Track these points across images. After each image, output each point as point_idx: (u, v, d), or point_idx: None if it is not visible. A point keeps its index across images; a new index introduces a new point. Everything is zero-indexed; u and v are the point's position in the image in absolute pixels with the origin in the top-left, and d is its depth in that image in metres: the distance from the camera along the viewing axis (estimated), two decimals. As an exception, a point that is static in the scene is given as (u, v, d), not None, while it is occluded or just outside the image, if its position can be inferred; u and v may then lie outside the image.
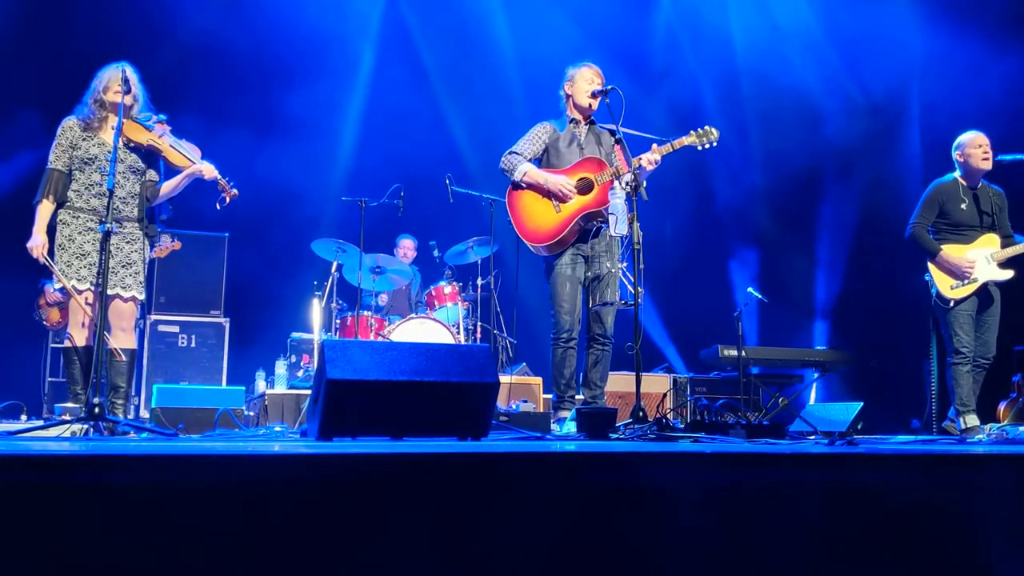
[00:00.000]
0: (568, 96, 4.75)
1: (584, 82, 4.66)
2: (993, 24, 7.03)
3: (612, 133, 4.68)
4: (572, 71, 4.73)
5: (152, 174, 4.25)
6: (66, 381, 4.21)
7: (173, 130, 4.28)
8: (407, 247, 7.62)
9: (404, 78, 8.40)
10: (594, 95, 4.56)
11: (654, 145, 4.55)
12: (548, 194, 4.56)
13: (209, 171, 4.23)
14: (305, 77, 7.94)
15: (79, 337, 4.06)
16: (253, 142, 7.46)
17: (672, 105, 8.41)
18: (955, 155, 5.20)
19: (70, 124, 4.13)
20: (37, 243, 4.02)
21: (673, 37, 8.69)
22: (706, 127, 4.62)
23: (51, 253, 4.05)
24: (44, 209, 4.05)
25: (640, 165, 4.46)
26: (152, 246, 4.33)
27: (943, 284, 5.04)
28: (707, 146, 4.61)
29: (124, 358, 4.06)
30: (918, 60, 7.58)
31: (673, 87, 8.51)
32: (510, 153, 4.67)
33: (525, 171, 4.60)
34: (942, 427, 5.30)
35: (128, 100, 4.04)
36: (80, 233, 4.05)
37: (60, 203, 4.09)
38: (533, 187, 4.60)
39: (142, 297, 4.20)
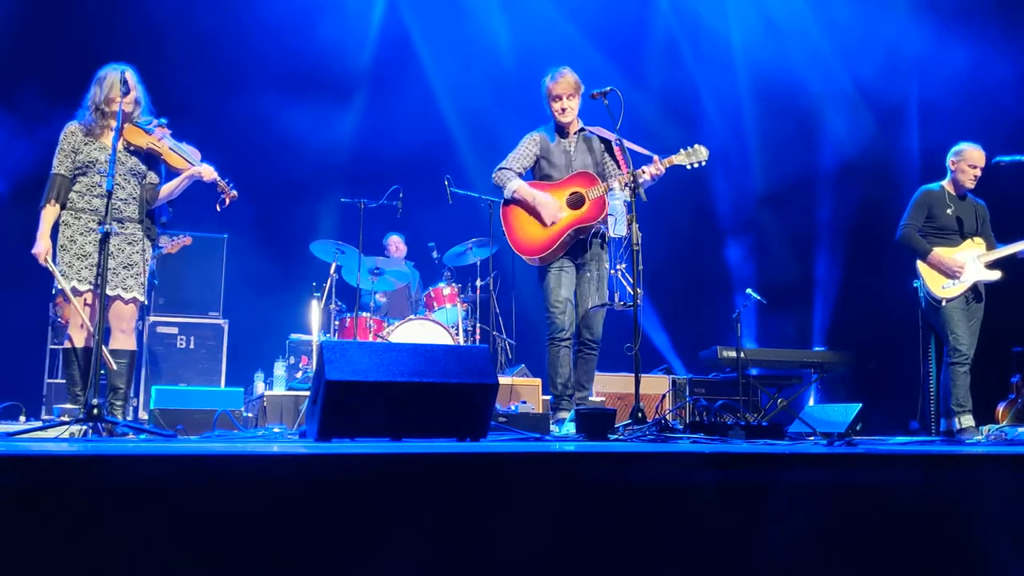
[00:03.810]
0: (548, 108, 4.74)
1: (552, 101, 4.66)
2: (993, 24, 7.04)
3: (602, 140, 4.72)
4: (544, 85, 4.69)
5: (152, 176, 4.25)
6: (65, 382, 4.21)
7: (174, 133, 4.28)
8: (397, 243, 7.62)
9: (403, 79, 8.40)
10: (550, 82, 4.56)
11: (656, 157, 4.50)
12: (535, 213, 4.60)
13: (208, 173, 4.24)
14: (304, 78, 7.94)
15: (78, 338, 4.06)
16: (252, 143, 7.46)
17: (671, 106, 8.41)
18: (949, 160, 5.28)
19: (72, 129, 4.14)
20: (40, 249, 4.02)
21: (672, 37, 8.69)
22: (695, 145, 4.54)
23: (54, 256, 4.06)
24: (48, 214, 4.05)
25: (643, 179, 4.44)
26: (155, 248, 4.34)
27: (934, 284, 5.13)
28: (696, 165, 4.55)
29: (115, 367, 4.05)
30: (917, 61, 7.58)
31: (672, 87, 8.52)
32: (500, 169, 4.71)
33: (515, 188, 4.63)
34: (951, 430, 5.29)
35: (128, 100, 4.04)
36: (82, 234, 4.05)
37: (64, 206, 4.09)
38: (522, 204, 4.64)
39: (143, 298, 4.21)
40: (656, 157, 4.51)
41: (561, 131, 4.74)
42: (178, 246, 6.35)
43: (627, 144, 4.44)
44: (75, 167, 4.09)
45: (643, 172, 4.45)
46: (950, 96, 7.13)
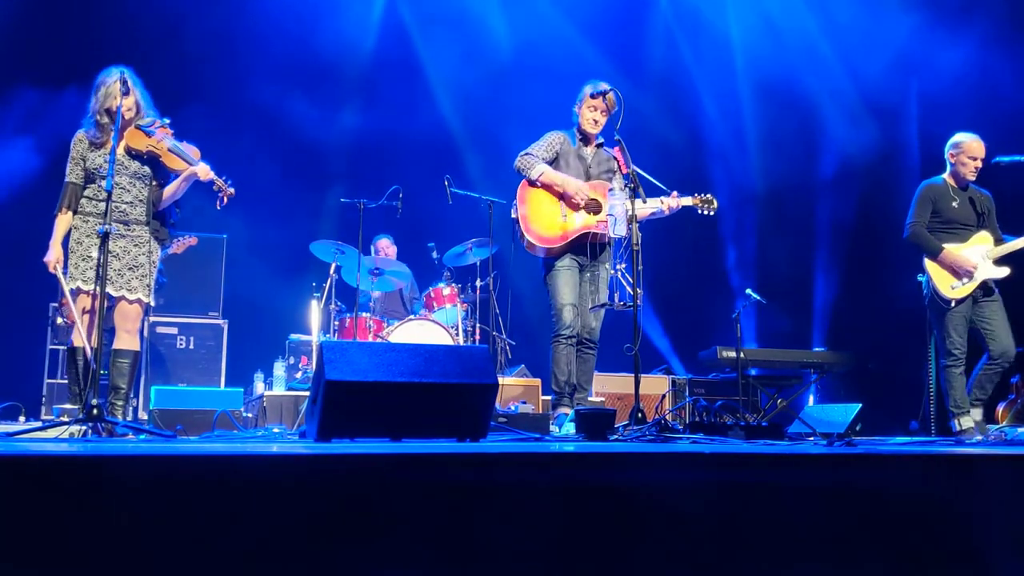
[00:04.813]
0: (577, 114, 4.83)
1: (588, 110, 4.77)
2: (994, 21, 7.03)
3: (613, 158, 4.82)
4: (584, 92, 4.77)
5: (157, 178, 4.29)
6: (67, 381, 4.23)
7: (177, 132, 4.29)
8: (386, 246, 7.60)
9: (403, 80, 8.40)
10: (592, 96, 4.62)
11: (674, 193, 4.75)
12: (562, 196, 4.67)
13: (204, 172, 4.23)
14: (304, 79, 7.94)
15: (81, 338, 4.09)
16: (252, 143, 7.45)
17: (670, 105, 8.41)
18: (948, 153, 5.19)
19: (79, 137, 4.20)
20: (50, 257, 4.10)
21: (671, 37, 8.70)
22: (708, 196, 4.88)
23: (65, 261, 4.12)
24: (60, 222, 4.13)
25: (660, 208, 4.71)
26: (164, 249, 4.37)
27: (943, 284, 5.01)
28: (706, 212, 4.88)
29: (91, 359, 4.07)
30: (917, 59, 7.57)
31: (671, 87, 8.52)
32: (526, 154, 4.76)
33: (543, 171, 4.69)
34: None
35: (129, 104, 4.06)
36: (88, 236, 4.11)
37: (75, 212, 4.17)
38: (548, 187, 4.69)
39: (148, 300, 4.22)
40: (675, 193, 4.75)
41: (584, 139, 4.84)
42: (183, 246, 6.37)
43: (645, 174, 4.55)
44: (84, 175, 4.16)
45: (662, 202, 4.71)
46: (950, 94, 7.11)
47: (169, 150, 4.22)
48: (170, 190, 4.31)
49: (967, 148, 5.10)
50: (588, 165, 4.78)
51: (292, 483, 1.78)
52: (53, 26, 7.23)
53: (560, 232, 4.66)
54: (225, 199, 4.30)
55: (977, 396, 5.00)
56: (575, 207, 4.66)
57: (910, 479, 2.29)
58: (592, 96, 4.71)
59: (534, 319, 6.75)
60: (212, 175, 4.25)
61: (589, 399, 4.92)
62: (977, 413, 4.99)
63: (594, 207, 4.68)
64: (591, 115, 4.75)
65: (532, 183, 4.71)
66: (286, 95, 7.81)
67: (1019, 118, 6.36)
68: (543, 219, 4.69)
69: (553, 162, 4.77)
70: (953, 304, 4.98)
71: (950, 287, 4.99)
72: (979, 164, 5.09)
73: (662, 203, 4.71)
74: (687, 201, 4.80)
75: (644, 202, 4.51)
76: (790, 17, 8.17)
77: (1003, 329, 4.99)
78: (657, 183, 4.63)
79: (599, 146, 4.87)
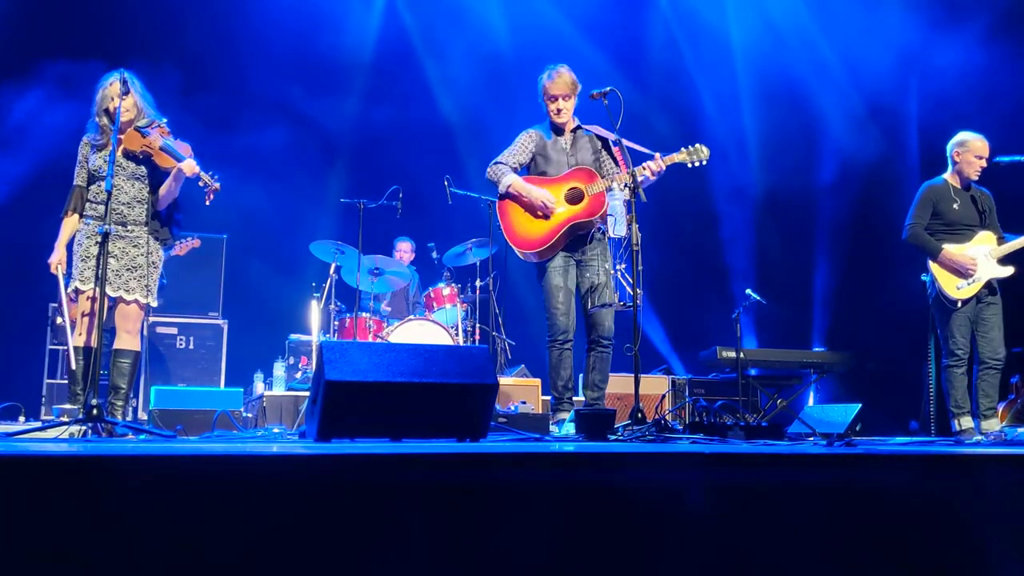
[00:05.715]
0: (544, 105, 4.70)
1: (547, 101, 4.63)
2: (993, 23, 7.03)
3: (598, 138, 4.69)
4: (540, 84, 4.65)
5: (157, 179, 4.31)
6: (68, 381, 4.25)
7: (175, 132, 4.29)
8: (404, 250, 7.61)
9: (403, 80, 8.40)
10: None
11: (657, 155, 4.49)
12: (531, 206, 4.56)
13: (189, 167, 4.21)
14: (304, 78, 7.95)
15: (81, 338, 4.10)
16: (252, 143, 7.46)
17: (670, 105, 8.41)
18: (952, 152, 5.15)
19: (84, 141, 4.27)
20: (53, 259, 4.19)
21: (671, 36, 8.70)
22: (696, 145, 4.54)
23: (69, 261, 4.18)
24: (66, 224, 4.22)
25: (644, 175, 4.42)
26: (167, 249, 4.38)
27: (948, 285, 4.98)
28: (697, 164, 4.54)
29: (75, 366, 4.07)
30: (917, 59, 7.57)
31: (671, 87, 8.52)
32: (495, 164, 4.67)
33: (510, 183, 4.58)
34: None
35: (127, 105, 4.07)
36: (88, 237, 4.16)
37: (81, 215, 4.25)
38: (517, 199, 4.61)
39: (146, 300, 4.23)
40: (657, 155, 4.49)
41: (557, 129, 4.71)
42: (186, 248, 6.38)
43: (627, 143, 4.42)
44: (88, 177, 4.23)
45: (644, 168, 4.43)
46: (951, 93, 7.11)
47: (161, 149, 4.22)
48: (164, 189, 4.32)
49: (973, 147, 5.07)
50: (568, 155, 4.63)
51: (292, 483, 1.78)
52: (54, 24, 7.22)
53: (545, 231, 4.53)
54: (211, 195, 4.29)
55: (987, 406, 4.96)
56: (545, 217, 4.52)
57: (910, 479, 2.29)
58: (546, 81, 4.59)
59: (534, 319, 6.75)
60: (197, 170, 4.23)
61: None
62: (993, 424, 4.94)
63: (575, 196, 4.54)
64: (552, 105, 4.61)
65: (505, 195, 4.62)
66: (286, 94, 7.82)
67: (1019, 118, 6.36)
68: (525, 226, 4.58)
69: (531, 162, 4.68)
70: (959, 305, 4.96)
71: (956, 287, 4.97)
72: (984, 164, 5.06)
73: (645, 169, 4.43)
74: (674, 158, 4.50)
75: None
76: (790, 17, 8.17)
77: (997, 330, 5.00)
78: (639, 148, 4.49)
79: (576, 130, 4.71)
